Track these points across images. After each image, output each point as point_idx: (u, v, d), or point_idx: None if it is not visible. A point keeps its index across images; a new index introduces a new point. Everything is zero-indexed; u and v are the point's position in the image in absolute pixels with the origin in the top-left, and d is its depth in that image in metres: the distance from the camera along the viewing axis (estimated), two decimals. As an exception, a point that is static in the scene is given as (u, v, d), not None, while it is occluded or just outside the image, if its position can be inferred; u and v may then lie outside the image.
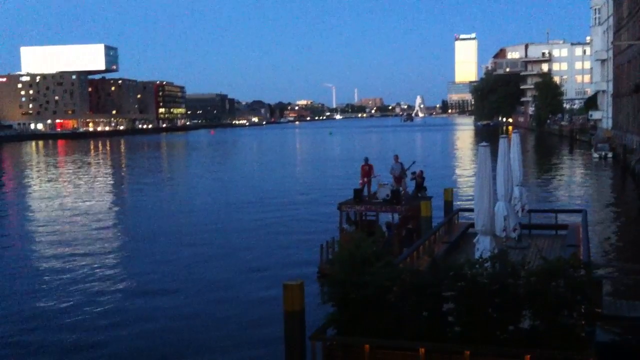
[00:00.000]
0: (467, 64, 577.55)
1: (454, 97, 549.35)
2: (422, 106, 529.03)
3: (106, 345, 15.70)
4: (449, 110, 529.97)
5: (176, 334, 16.34)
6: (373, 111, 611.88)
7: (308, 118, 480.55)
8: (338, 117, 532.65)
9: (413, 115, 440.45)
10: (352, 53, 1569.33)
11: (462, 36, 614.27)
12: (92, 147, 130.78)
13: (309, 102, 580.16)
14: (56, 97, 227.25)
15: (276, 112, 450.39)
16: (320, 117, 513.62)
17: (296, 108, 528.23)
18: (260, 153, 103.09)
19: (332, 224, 25.35)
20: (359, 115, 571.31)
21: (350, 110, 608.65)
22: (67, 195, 47.55)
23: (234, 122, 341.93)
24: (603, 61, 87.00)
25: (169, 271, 22.78)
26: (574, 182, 47.74)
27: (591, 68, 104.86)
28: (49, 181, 59.74)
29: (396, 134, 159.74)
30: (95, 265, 23.79)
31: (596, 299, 12.15)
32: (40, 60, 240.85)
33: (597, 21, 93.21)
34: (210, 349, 15.30)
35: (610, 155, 61.62)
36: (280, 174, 60.41)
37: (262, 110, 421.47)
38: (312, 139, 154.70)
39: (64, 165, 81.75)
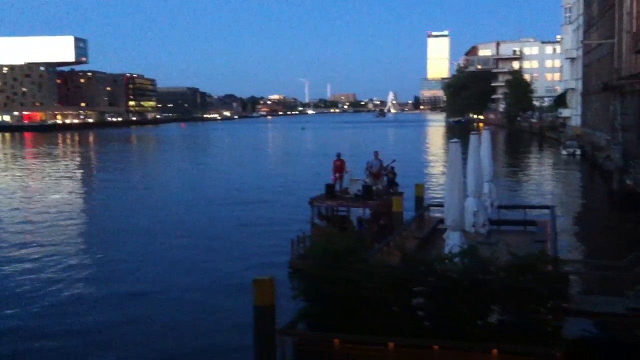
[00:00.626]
0: (439, 60, 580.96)
1: (427, 93, 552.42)
2: (394, 102, 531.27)
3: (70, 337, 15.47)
4: (421, 107, 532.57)
5: (143, 333, 16.13)
6: (346, 106, 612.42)
7: (280, 113, 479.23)
8: (311, 112, 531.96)
9: (385, 111, 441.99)
10: (325, 48, 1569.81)
11: (434, 33, 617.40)
12: (60, 140, 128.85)
13: (281, 97, 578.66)
14: (24, 89, 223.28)
15: (248, 106, 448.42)
16: (293, 112, 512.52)
17: (269, 102, 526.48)
18: (232, 147, 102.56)
19: (304, 219, 25.29)
20: (332, 110, 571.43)
21: (323, 105, 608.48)
22: (32, 189, 46.78)
23: (205, 115, 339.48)
24: (573, 59, 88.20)
25: (135, 267, 22.47)
26: (543, 178, 48.35)
27: (561, 66, 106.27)
28: (14, 174, 58.67)
29: (369, 130, 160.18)
30: (58, 260, 23.42)
31: (564, 294, 12.28)
32: (7, 51, 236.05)
33: (567, 20, 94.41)
34: (179, 345, 15.15)
35: (579, 152, 62.51)
36: (251, 169, 60.16)
37: (234, 104, 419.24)
38: (285, 133, 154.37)
39: (31, 158, 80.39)
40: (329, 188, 23.51)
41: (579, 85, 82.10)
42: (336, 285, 11.56)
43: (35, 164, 69.39)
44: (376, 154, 25.82)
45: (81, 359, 14.62)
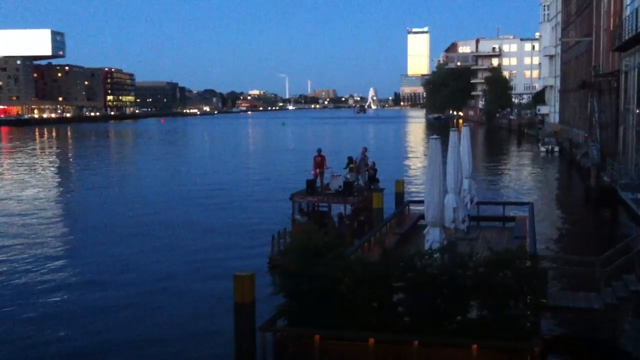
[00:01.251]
0: (419, 57, 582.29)
1: (407, 89, 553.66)
2: (374, 98, 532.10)
3: (46, 340, 15.31)
4: (402, 103, 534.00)
5: (123, 328, 16.01)
6: (326, 102, 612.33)
7: (261, 108, 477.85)
8: (291, 107, 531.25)
9: (366, 107, 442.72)
10: (305, 44, 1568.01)
11: (414, 29, 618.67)
12: (37, 135, 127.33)
13: (261, 92, 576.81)
14: (0, 83, 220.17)
15: (228, 102, 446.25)
16: (273, 108, 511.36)
17: (249, 98, 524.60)
18: (212, 143, 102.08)
19: (284, 214, 25.25)
20: (312, 106, 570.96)
21: (303, 101, 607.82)
22: (8, 184, 46.18)
23: (184, 111, 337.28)
24: (551, 57, 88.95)
25: (113, 264, 22.23)
26: (522, 175, 48.75)
27: (540, 63, 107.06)
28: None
29: (349, 126, 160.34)
30: (35, 258, 23.15)
31: (541, 289, 12.42)
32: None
33: (546, 17, 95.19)
34: (158, 341, 15.05)
35: (557, 149, 63.11)
36: (231, 164, 59.94)
37: (214, 100, 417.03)
38: (265, 129, 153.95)
39: (6, 153, 79.33)
40: (310, 184, 23.50)
41: (557, 83, 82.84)
42: (315, 281, 11.57)
43: (10, 159, 68.47)
44: (364, 150, 26.02)
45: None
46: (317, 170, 25.05)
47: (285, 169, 53.66)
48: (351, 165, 25.14)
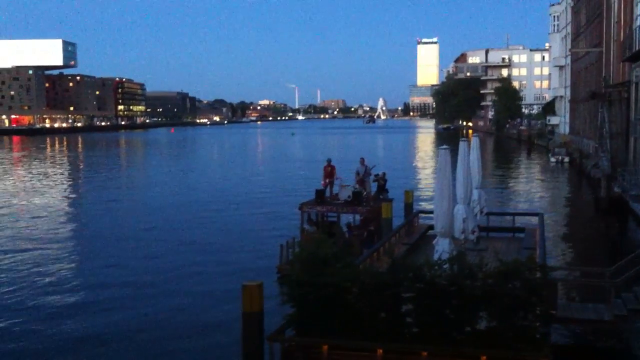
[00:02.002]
0: (429, 67, 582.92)
1: (416, 100, 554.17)
2: (384, 108, 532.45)
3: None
4: (411, 113, 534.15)
5: (130, 337, 16.03)
6: (335, 112, 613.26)
7: (270, 118, 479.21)
8: (300, 117, 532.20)
9: (375, 117, 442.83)
10: (315, 54, 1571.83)
11: (424, 40, 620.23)
12: (48, 144, 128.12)
13: (271, 102, 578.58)
14: (12, 92, 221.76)
15: (238, 112, 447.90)
16: (283, 118, 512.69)
17: (258, 108, 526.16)
18: (222, 152, 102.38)
19: (293, 224, 25.28)
20: (322, 116, 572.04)
21: (312, 111, 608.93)
22: (21, 193, 46.48)
23: (195, 120, 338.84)
24: (561, 67, 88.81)
25: (120, 271, 22.32)
26: (532, 186, 48.58)
27: (549, 74, 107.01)
28: (2, 178, 58.26)
29: (358, 136, 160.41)
30: (46, 265, 23.27)
31: (551, 300, 12.37)
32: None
33: (555, 28, 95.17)
34: (166, 350, 15.07)
35: (567, 159, 62.85)
36: (241, 174, 60.05)
37: (224, 110, 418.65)
38: (275, 139, 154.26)
39: (19, 162, 79.88)
40: (319, 193, 23.51)
41: (567, 93, 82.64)
42: (323, 290, 11.56)
43: (21, 168, 68.91)
44: (362, 160, 25.88)
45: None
46: (327, 180, 25.04)
47: (295, 178, 53.71)
48: (359, 177, 25.08)
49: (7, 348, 15.26)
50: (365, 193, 24.14)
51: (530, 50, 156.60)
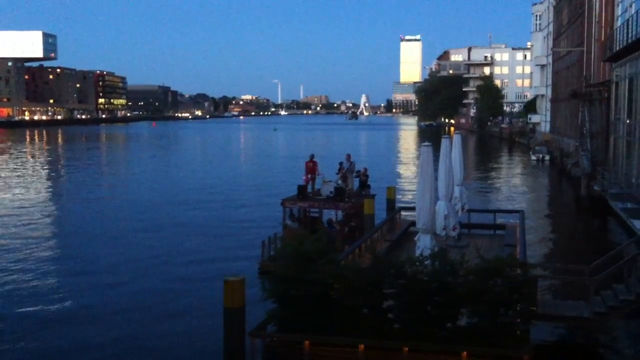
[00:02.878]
0: (411, 64, 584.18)
1: (399, 97, 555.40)
2: (367, 105, 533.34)
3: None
4: (394, 110, 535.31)
5: (112, 332, 15.89)
6: (318, 108, 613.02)
7: (253, 113, 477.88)
8: (283, 113, 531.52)
9: (358, 113, 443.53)
10: (298, 50, 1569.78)
11: (407, 37, 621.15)
12: (28, 137, 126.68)
13: (254, 97, 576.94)
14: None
15: (220, 106, 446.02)
16: (265, 113, 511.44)
17: (241, 103, 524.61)
18: (204, 147, 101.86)
19: (275, 220, 25.21)
20: (304, 112, 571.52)
21: (295, 106, 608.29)
22: None
23: (176, 114, 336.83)
24: (543, 66, 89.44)
25: (102, 267, 22.08)
26: (513, 183, 48.90)
27: (531, 72, 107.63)
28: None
29: (341, 132, 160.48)
30: (25, 263, 23.01)
31: (531, 297, 12.44)
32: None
33: (537, 27, 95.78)
34: (146, 344, 14.95)
35: (547, 158, 63.39)
36: (223, 169, 59.79)
37: (206, 104, 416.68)
38: (257, 134, 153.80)
39: (-2, 154, 78.90)
40: (301, 189, 23.47)
41: (548, 92, 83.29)
42: (306, 286, 11.54)
43: (1, 162, 68.09)
44: (348, 156, 25.91)
45: None
46: (309, 176, 25.01)
47: (277, 174, 53.59)
48: (343, 172, 25.14)
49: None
50: (347, 189, 24.18)
51: (513, 49, 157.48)
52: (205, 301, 17.70)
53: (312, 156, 25.91)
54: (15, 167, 60.98)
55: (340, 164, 25.70)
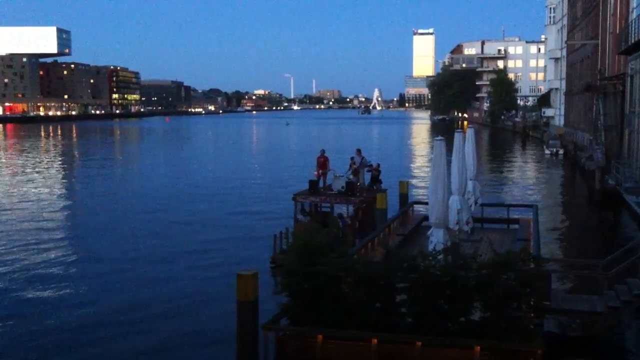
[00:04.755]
0: (424, 58, 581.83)
1: (411, 91, 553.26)
2: (379, 99, 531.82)
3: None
4: (406, 104, 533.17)
5: (126, 326, 16.03)
6: (331, 103, 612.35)
7: (265, 108, 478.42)
8: (296, 107, 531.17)
9: (370, 107, 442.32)
10: (311, 44, 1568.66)
11: (420, 31, 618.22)
12: (42, 132, 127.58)
13: (266, 92, 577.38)
14: (5, 80, 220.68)
15: (233, 101, 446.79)
16: (278, 107, 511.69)
17: (253, 97, 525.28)
18: (216, 142, 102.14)
19: (287, 214, 25.26)
20: (317, 106, 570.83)
21: (308, 101, 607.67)
22: (14, 181, 46.30)
23: (189, 109, 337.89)
24: (556, 59, 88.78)
25: (115, 260, 22.26)
26: (526, 177, 48.66)
27: (545, 66, 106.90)
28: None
29: (353, 126, 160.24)
30: (40, 255, 23.22)
31: (544, 292, 12.40)
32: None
33: (551, 20, 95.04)
34: (162, 338, 15.06)
35: (561, 152, 62.98)
36: (235, 164, 59.96)
37: (219, 99, 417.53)
38: (269, 129, 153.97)
39: (12, 149, 79.52)
40: (312, 184, 23.51)
41: (562, 85, 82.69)
42: (317, 280, 11.56)
43: (17, 156, 68.63)
44: (358, 151, 25.92)
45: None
46: (320, 171, 25.03)
47: (288, 168, 53.65)
48: (354, 167, 25.14)
49: None
50: (359, 184, 24.17)
51: (526, 42, 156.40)
52: (219, 294, 17.80)
53: (323, 151, 25.95)
54: (32, 161, 61.45)
55: (352, 159, 25.69)
